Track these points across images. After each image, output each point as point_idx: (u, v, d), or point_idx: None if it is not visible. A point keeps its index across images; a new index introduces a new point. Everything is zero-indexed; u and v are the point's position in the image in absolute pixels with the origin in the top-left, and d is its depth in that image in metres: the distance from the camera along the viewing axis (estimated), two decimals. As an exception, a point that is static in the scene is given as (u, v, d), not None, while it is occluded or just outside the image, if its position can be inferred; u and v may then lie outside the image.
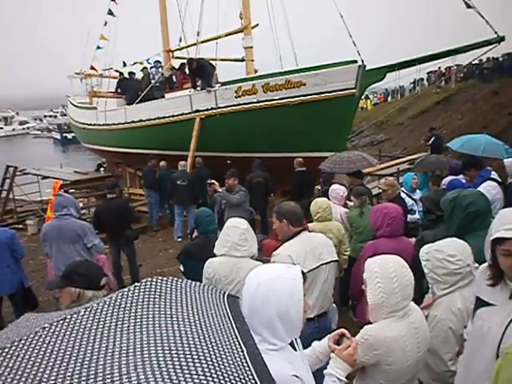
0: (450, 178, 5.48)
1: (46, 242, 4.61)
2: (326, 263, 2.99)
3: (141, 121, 12.10)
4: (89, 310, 0.91)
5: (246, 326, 1.08)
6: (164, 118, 11.24)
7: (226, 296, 1.17)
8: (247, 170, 8.27)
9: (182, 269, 4.17)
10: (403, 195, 5.83)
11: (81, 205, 9.89)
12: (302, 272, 1.53)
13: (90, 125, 15.47)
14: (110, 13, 15.38)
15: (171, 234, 9.47)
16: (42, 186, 14.01)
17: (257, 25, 12.17)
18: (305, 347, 1.79)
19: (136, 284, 1.01)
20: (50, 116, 66.52)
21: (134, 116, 12.38)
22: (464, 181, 4.98)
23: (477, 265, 2.16)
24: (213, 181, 6.54)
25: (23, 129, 64.64)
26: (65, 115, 55.10)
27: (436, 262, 2.18)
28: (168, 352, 0.81)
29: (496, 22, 7.68)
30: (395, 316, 1.95)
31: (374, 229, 3.53)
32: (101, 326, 0.87)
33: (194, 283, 1.11)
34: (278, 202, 8.73)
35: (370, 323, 2.02)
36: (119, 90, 14.36)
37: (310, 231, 3.23)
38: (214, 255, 3.06)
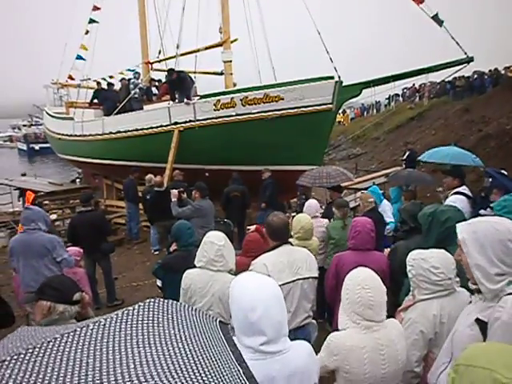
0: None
1: (13, 257, 4.50)
2: (302, 278, 3.00)
3: (119, 132, 12.01)
4: (97, 324, 0.96)
5: (238, 351, 1.15)
6: (142, 129, 11.18)
7: (217, 321, 1.24)
8: (225, 182, 8.31)
9: (159, 284, 4.11)
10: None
11: (55, 216, 9.72)
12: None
13: (67, 135, 15.25)
14: (92, 21, 15.19)
15: (148, 246, 9.36)
16: (14, 197, 13.68)
17: (236, 39, 12.33)
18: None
19: (140, 303, 1.07)
20: (25, 125, 65.00)
21: (112, 127, 12.27)
22: None
23: (458, 279, 2.26)
24: (173, 191, 6.71)
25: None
26: (32, 125, 53.76)
27: (420, 270, 2.27)
28: (177, 365, 0.87)
29: (467, 42, 8.00)
30: (358, 327, 2.04)
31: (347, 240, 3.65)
32: (111, 340, 0.91)
33: (189, 307, 1.18)
34: (255, 215, 8.79)
35: None
36: (95, 101, 14.23)
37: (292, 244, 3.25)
38: (195, 267, 3.07)
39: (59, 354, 0.86)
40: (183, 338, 0.98)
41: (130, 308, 1.04)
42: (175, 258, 3.82)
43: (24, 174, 15.52)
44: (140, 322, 0.99)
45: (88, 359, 0.85)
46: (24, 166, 37.06)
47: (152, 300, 1.10)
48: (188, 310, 1.14)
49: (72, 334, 0.92)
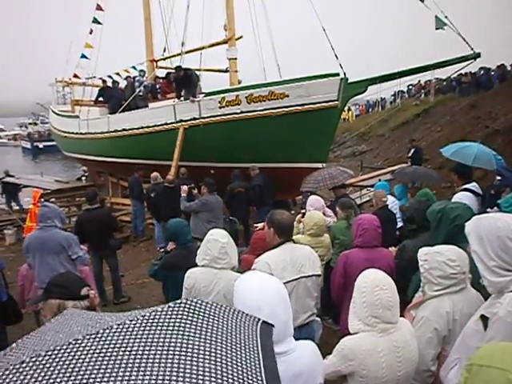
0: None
1: (28, 254, 4.52)
2: (305, 276, 2.98)
3: (124, 130, 12.01)
4: (121, 326, 0.94)
5: (274, 362, 1.06)
6: (147, 127, 11.18)
7: (259, 324, 1.14)
8: (230, 179, 8.30)
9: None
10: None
11: (61, 214, 9.75)
12: None
13: (72, 133, 15.30)
14: (96, 21, 15.20)
15: (154, 243, 9.39)
16: (20, 195, 13.77)
17: (241, 37, 12.28)
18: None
19: (170, 304, 1.03)
20: (31, 123, 65.09)
21: (117, 125, 12.28)
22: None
23: (470, 275, 2.23)
24: (183, 186, 6.96)
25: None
26: (36, 124, 53.97)
27: (434, 263, 2.22)
28: (195, 372, 0.87)
29: (472, 37, 7.91)
30: (373, 331, 1.99)
31: (353, 238, 3.61)
32: (131, 344, 0.90)
33: (227, 308, 1.12)
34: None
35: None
36: (100, 99, 14.25)
37: (294, 242, 3.24)
38: (196, 265, 3.07)
39: (74, 361, 0.87)
40: (206, 350, 0.93)
41: (159, 308, 1.01)
42: (176, 257, 3.82)
43: (7, 173, 14.80)
44: (165, 325, 0.96)
45: (108, 364, 0.85)
46: (29, 165, 37.24)
47: (185, 301, 1.04)
48: (224, 314, 1.08)
49: (93, 337, 0.91)
